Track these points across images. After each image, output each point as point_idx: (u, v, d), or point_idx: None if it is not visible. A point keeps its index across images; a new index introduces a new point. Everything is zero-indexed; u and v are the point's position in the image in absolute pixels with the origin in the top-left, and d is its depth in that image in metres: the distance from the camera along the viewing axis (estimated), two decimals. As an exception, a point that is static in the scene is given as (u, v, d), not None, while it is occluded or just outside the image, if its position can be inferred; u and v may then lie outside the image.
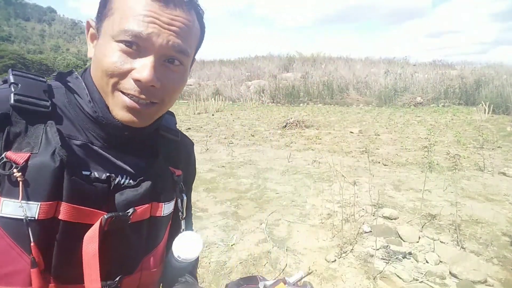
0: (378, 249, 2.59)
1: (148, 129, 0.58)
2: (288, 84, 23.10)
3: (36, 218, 0.46)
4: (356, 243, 2.76)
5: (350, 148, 6.84)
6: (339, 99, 20.88)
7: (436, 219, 3.20)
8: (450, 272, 2.32)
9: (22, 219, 0.45)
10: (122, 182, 0.56)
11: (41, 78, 0.54)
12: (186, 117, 14.20)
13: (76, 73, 0.59)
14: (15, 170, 0.45)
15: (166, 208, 0.63)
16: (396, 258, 2.50)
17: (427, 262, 2.47)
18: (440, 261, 2.48)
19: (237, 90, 24.96)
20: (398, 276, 2.29)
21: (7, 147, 0.48)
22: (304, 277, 2.27)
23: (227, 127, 10.64)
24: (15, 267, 0.47)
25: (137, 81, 0.50)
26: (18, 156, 0.47)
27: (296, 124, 10.05)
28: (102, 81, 0.52)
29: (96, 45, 0.54)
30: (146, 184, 0.58)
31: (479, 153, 5.66)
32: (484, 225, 3.11)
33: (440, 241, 2.78)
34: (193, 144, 0.77)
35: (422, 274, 2.31)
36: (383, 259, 2.51)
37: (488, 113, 11.62)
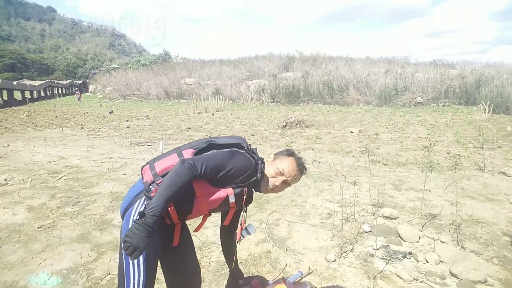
0: (378, 249, 2.59)
1: None
2: (288, 83, 23.07)
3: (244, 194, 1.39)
4: (356, 242, 2.76)
5: (350, 147, 6.84)
6: (339, 98, 20.86)
7: (436, 219, 3.20)
8: (450, 272, 2.31)
9: (237, 194, 1.36)
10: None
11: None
12: (186, 116, 14.20)
13: (259, 164, 1.42)
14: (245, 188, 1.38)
15: None
16: (396, 257, 2.50)
17: (427, 261, 2.47)
18: (440, 261, 2.48)
19: (237, 89, 24.93)
20: (398, 276, 2.29)
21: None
22: (304, 276, 2.27)
23: (227, 126, 10.63)
24: (225, 206, 1.39)
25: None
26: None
27: (296, 124, 10.05)
28: (271, 179, 1.45)
29: (272, 167, 1.46)
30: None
31: (479, 152, 5.66)
32: (485, 224, 3.10)
33: (440, 241, 2.78)
34: None
35: (422, 274, 2.31)
36: (383, 258, 2.51)
37: (488, 112, 11.62)
